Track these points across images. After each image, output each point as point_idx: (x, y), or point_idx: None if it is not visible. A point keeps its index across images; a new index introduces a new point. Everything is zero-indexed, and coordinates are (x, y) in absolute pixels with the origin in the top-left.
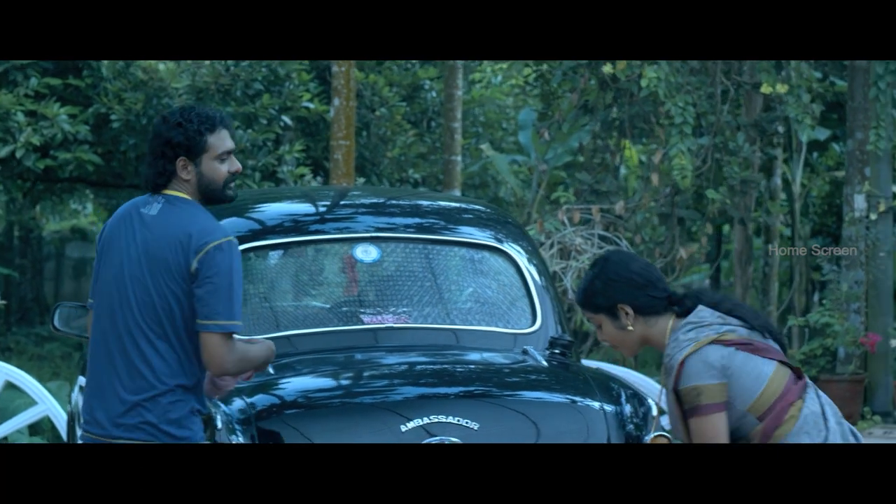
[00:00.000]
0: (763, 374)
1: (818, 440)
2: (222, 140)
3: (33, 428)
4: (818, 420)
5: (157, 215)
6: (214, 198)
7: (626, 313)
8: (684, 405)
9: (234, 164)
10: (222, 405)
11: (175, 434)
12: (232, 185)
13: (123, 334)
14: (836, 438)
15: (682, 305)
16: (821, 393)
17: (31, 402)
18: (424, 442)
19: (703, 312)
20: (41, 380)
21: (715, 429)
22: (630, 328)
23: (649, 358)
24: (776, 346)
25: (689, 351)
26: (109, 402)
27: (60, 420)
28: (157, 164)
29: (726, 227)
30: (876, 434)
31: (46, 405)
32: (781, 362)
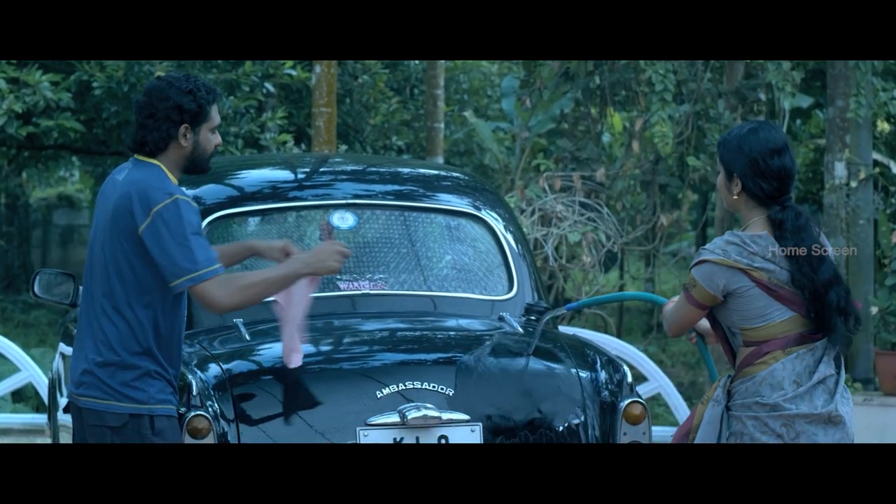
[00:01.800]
0: (769, 315)
1: (774, 395)
2: (217, 113)
3: (17, 395)
4: (785, 380)
5: (122, 180)
6: (198, 167)
7: (736, 183)
8: (686, 281)
9: (218, 138)
10: (198, 371)
11: (127, 394)
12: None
13: (91, 299)
14: (800, 404)
15: (776, 214)
16: (825, 363)
17: (15, 370)
18: (400, 408)
19: (763, 240)
20: (27, 347)
21: (683, 313)
22: (734, 197)
23: (634, 326)
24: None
25: (715, 260)
26: (77, 362)
27: (43, 387)
28: (162, 128)
29: (713, 195)
30: (856, 401)
31: (29, 371)
32: (805, 317)
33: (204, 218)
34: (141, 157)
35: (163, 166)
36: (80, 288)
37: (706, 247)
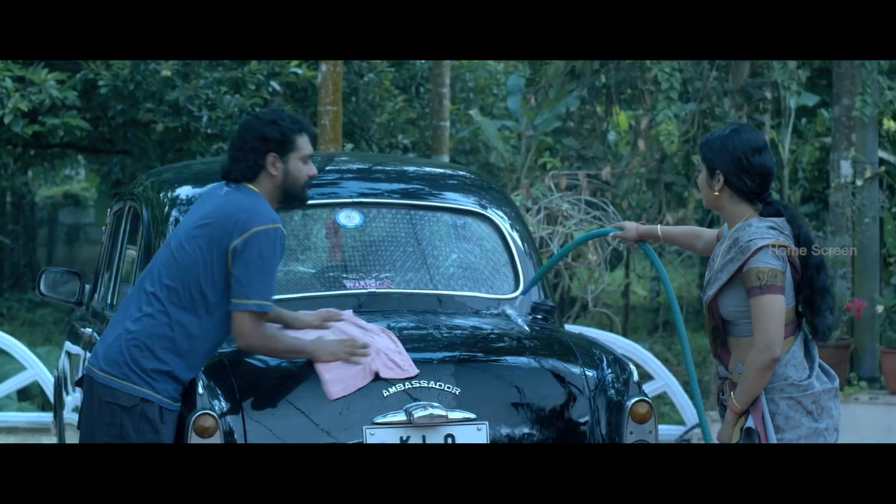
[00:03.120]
0: (790, 300)
1: (803, 375)
2: (307, 143)
3: (22, 393)
4: (803, 360)
5: (223, 195)
6: (294, 196)
7: (718, 180)
8: (756, 282)
9: (312, 169)
10: (205, 370)
11: (145, 379)
12: (308, 187)
13: (145, 285)
14: (822, 380)
15: (765, 208)
16: (810, 341)
17: (20, 368)
18: (406, 407)
19: (785, 223)
20: (33, 345)
21: (779, 306)
22: (716, 193)
23: (640, 324)
24: None
25: (771, 243)
26: (108, 337)
27: (49, 385)
28: (249, 158)
29: None
30: (862, 400)
31: (35, 370)
32: None
33: None
34: (244, 184)
35: (261, 194)
36: (87, 286)
37: (750, 238)
